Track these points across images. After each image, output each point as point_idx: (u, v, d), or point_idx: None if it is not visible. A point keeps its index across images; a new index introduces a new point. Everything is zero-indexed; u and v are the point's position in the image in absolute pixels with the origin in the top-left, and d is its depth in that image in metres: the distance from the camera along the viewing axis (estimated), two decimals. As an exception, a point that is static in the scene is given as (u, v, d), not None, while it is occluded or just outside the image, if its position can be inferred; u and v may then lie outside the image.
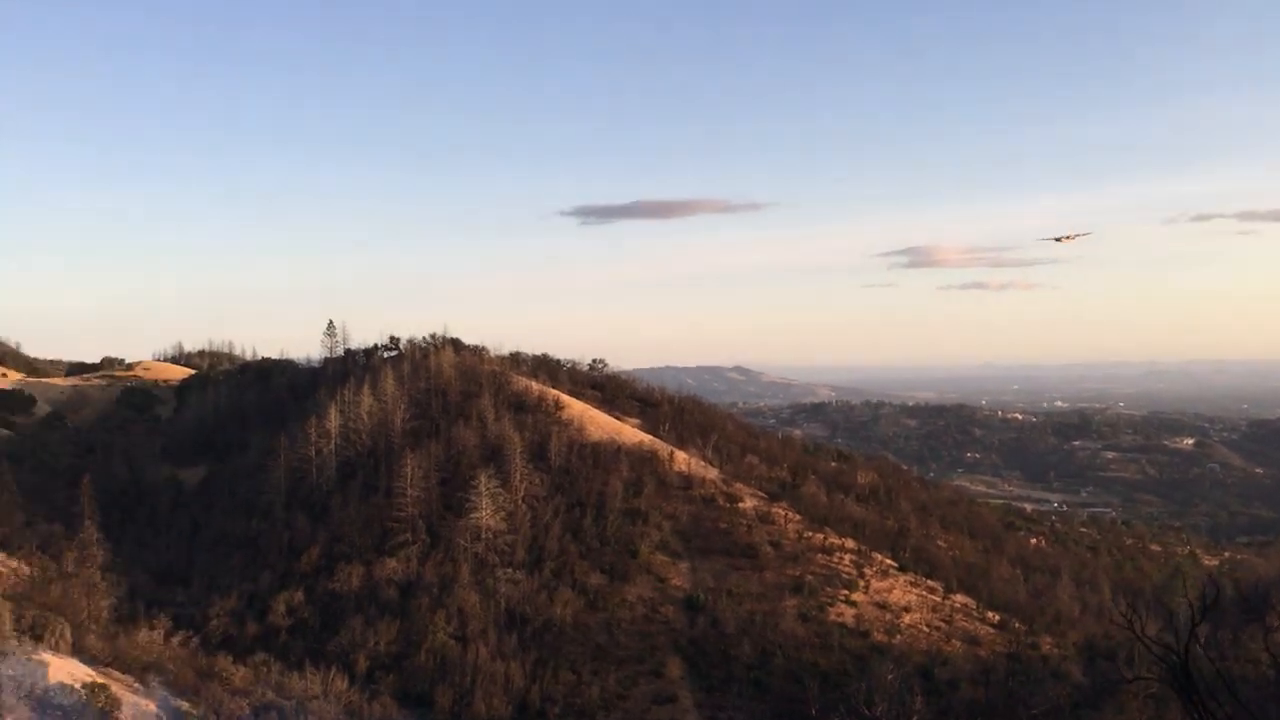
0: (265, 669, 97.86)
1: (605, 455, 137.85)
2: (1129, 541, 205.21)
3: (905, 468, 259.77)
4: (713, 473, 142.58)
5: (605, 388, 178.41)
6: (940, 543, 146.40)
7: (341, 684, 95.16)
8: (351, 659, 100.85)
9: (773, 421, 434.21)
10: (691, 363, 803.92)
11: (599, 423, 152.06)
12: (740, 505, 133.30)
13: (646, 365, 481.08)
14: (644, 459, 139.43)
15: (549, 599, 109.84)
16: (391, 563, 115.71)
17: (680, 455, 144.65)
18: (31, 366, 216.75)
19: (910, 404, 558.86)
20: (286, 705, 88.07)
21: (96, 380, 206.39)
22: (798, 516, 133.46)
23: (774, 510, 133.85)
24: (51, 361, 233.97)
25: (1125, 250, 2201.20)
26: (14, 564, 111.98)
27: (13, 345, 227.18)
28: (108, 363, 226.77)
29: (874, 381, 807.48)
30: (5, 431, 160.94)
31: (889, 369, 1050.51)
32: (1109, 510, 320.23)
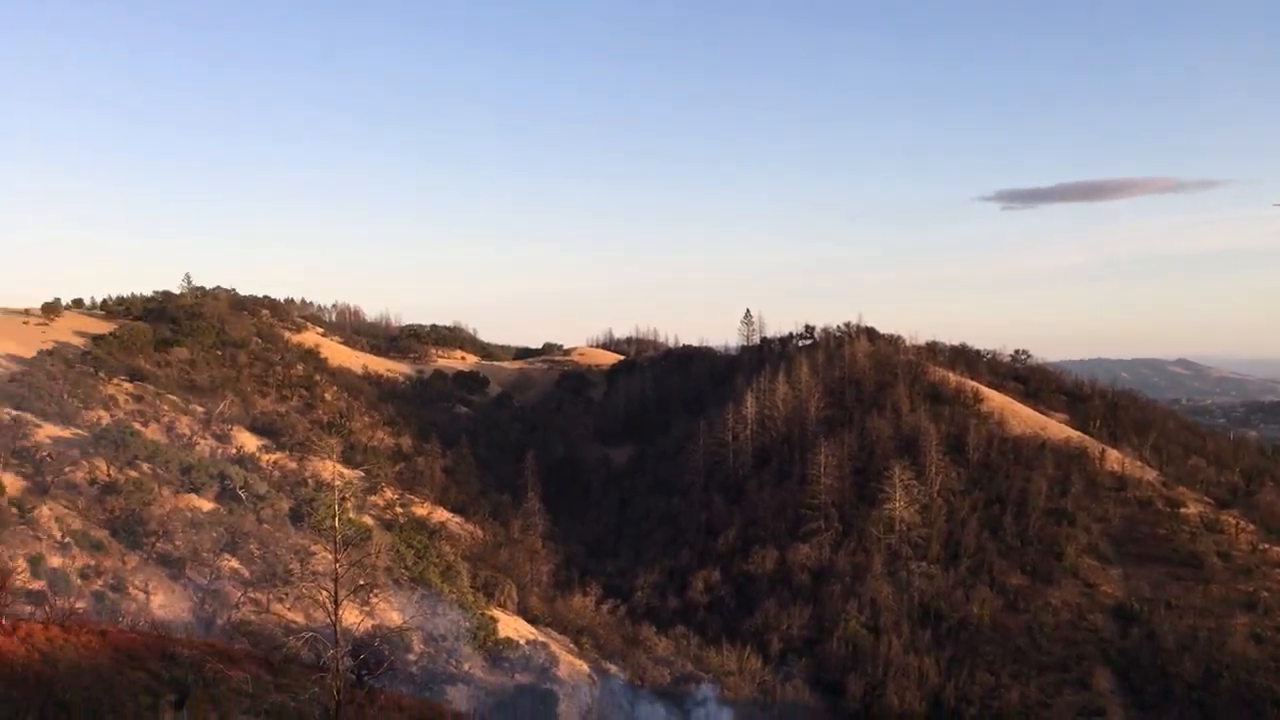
0: (685, 641, 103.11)
1: (1028, 451, 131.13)
2: None
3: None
4: (1150, 474, 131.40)
5: (1028, 380, 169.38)
6: None
7: (755, 663, 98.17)
8: (765, 639, 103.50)
9: (1222, 421, 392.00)
10: (1127, 355, 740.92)
11: (1021, 416, 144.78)
12: (1183, 511, 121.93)
13: (1075, 357, 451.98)
14: (1071, 456, 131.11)
15: (965, 596, 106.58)
16: (804, 548, 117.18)
17: (1113, 454, 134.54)
18: (485, 350, 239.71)
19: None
20: (704, 678, 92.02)
21: (539, 364, 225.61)
22: (1251, 526, 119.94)
23: (1223, 518, 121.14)
24: (501, 346, 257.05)
25: None
26: (470, 528, 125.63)
27: (470, 331, 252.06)
28: (548, 348, 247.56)
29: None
30: (464, 409, 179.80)
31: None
32: None
